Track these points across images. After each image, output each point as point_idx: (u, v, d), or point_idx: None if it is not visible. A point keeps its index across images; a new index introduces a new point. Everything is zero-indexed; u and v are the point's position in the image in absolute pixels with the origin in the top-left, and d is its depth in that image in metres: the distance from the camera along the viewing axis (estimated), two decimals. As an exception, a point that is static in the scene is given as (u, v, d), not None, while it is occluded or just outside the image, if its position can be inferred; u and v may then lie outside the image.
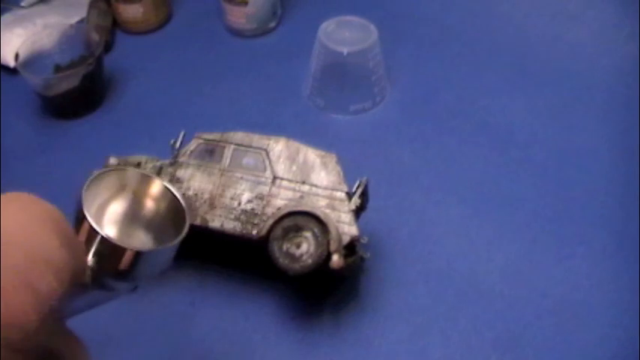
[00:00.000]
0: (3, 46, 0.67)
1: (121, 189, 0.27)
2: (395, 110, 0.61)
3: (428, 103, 0.62)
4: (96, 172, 0.26)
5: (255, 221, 0.41)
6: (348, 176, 0.42)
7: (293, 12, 0.75)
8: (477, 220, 0.51)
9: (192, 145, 0.44)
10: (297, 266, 0.39)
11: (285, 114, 0.62)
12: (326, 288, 0.46)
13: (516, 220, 0.50)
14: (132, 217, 0.27)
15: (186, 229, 0.27)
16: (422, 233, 0.50)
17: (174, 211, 0.28)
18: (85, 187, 0.24)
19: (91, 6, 0.72)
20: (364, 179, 0.43)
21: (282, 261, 0.39)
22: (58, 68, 0.64)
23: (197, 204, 0.42)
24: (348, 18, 0.60)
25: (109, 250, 0.23)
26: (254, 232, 0.41)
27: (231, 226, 0.41)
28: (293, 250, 0.39)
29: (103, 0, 0.73)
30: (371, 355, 0.43)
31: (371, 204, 0.44)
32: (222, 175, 0.43)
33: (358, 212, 0.42)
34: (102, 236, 0.23)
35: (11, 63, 0.64)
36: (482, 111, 0.60)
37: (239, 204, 0.42)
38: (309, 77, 0.62)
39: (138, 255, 0.24)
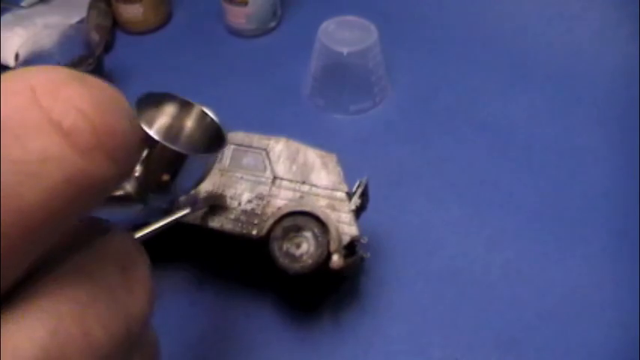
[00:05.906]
0: (3, 46, 0.67)
1: (159, 112, 0.28)
2: (395, 110, 0.61)
3: (428, 103, 0.62)
4: (138, 97, 0.26)
5: (255, 221, 0.41)
6: (348, 176, 0.42)
7: (293, 12, 0.75)
8: (477, 220, 0.51)
9: (192, 145, 0.44)
10: (297, 266, 0.39)
11: (285, 114, 0.61)
12: (326, 288, 0.46)
13: (516, 220, 0.50)
14: (170, 137, 0.28)
15: (225, 144, 0.28)
16: (422, 233, 0.50)
17: (211, 132, 0.29)
18: (134, 105, 0.24)
19: (91, 6, 0.72)
20: (364, 179, 0.43)
21: (282, 261, 0.39)
22: (58, 68, 0.64)
23: (197, 204, 0.42)
24: (348, 18, 0.60)
25: (157, 156, 0.23)
26: (254, 232, 0.41)
27: (230, 226, 0.41)
28: (293, 250, 0.39)
29: (103, 0, 0.73)
30: (371, 355, 0.43)
31: (371, 204, 0.44)
32: (222, 175, 0.43)
33: (358, 212, 0.42)
34: (154, 139, 0.22)
35: (11, 63, 0.64)
36: (482, 111, 0.60)
37: (239, 204, 0.42)
38: (309, 77, 0.62)
39: (182, 161, 0.24)
